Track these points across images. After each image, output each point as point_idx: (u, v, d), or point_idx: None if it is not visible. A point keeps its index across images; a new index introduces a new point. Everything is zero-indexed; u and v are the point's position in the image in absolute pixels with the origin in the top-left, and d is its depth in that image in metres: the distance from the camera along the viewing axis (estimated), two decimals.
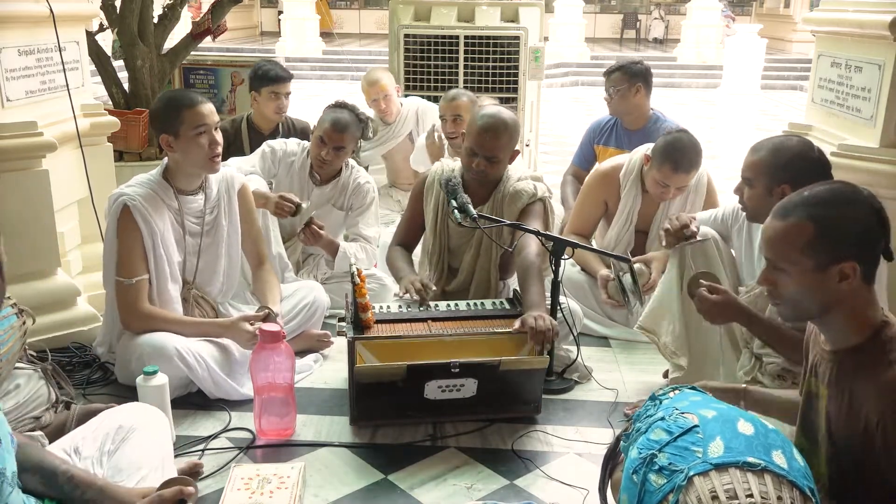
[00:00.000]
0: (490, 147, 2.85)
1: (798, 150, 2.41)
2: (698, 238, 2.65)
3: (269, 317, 2.72)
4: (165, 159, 2.80)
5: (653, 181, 3.24)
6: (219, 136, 2.72)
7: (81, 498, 1.69)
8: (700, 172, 3.31)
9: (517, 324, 2.53)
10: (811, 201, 1.65)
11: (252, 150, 3.90)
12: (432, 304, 2.79)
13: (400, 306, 2.77)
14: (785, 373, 2.53)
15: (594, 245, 3.48)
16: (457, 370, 2.46)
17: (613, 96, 4.00)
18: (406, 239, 3.15)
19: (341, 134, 3.36)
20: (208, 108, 2.69)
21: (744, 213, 2.57)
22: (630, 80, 3.94)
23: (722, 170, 6.99)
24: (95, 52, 4.68)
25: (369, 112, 4.52)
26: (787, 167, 2.39)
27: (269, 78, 3.98)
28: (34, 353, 2.35)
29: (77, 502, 1.70)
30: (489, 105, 3.02)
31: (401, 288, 2.87)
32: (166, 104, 2.71)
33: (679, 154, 3.13)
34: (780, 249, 1.66)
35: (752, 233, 2.69)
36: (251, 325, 2.68)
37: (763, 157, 2.44)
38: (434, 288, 2.83)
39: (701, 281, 2.50)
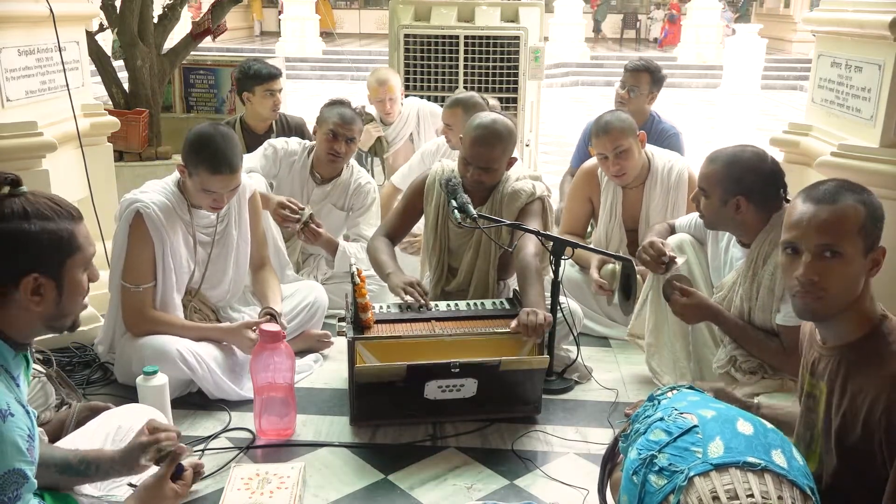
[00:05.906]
0: (484, 158, 2.84)
1: (751, 163, 2.46)
2: (676, 262, 2.68)
3: (273, 317, 2.73)
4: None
5: (598, 161, 3.34)
6: (228, 198, 2.70)
7: (97, 472, 1.78)
8: (681, 169, 3.35)
9: (513, 324, 2.55)
10: (849, 186, 1.68)
11: (248, 151, 3.90)
12: (432, 304, 2.79)
13: (400, 307, 2.77)
14: (758, 368, 2.57)
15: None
16: (457, 370, 2.46)
17: (630, 93, 3.99)
18: (393, 231, 3.11)
19: (350, 125, 3.41)
20: (228, 179, 2.61)
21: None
22: (652, 85, 3.99)
23: None
24: (95, 52, 4.68)
25: (371, 109, 4.54)
26: (740, 181, 2.45)
27: (262, 76, 3.96)
28: (38, 356, 2.34)
29: (94, 478, 1.80)
30: (485, 113, 3.00)
31: (393, 291, 2.82)
32: (198, 149, 2.60)
33: (596, 122, 3.29)
34: (840, 231, 1.63)
35: (720, 238, 2.74)
36: (253, 331, 2.69)
37: (716, 170, 2.50)
38: (424, 299, 2.77)
39: (674, 283, 2.55)
